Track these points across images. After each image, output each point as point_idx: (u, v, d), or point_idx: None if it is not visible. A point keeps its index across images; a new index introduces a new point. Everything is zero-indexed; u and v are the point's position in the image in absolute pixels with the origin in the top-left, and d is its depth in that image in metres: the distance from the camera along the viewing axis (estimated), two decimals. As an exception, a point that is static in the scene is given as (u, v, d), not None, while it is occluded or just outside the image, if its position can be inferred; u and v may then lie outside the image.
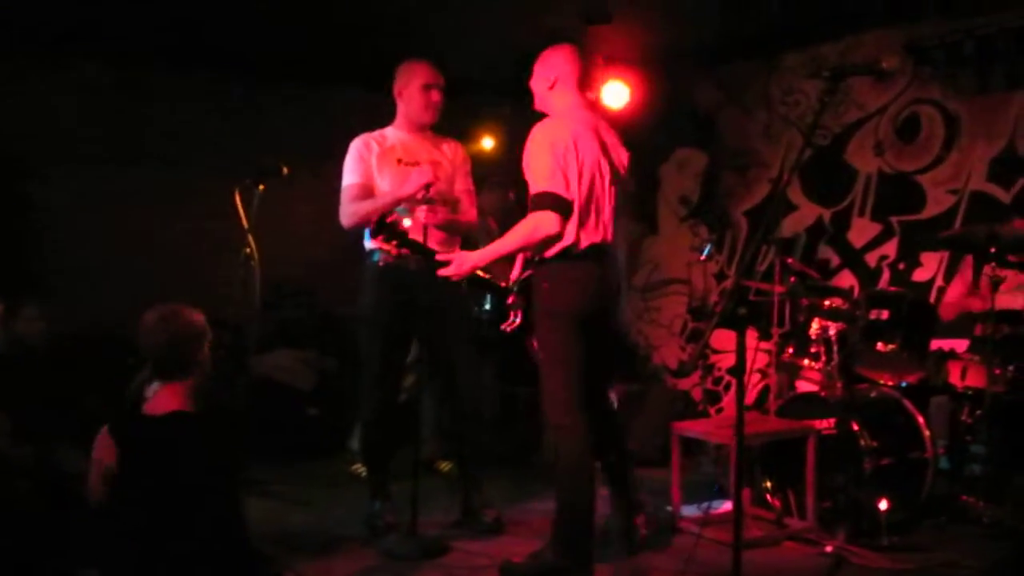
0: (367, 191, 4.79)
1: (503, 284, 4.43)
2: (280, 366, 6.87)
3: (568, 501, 4.14)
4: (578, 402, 4.16)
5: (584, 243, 4.12)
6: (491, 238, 6.36)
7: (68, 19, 6.24)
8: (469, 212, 5.00)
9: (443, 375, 5.03)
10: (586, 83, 4.40)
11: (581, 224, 4.11)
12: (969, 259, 5.70)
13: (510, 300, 4.38)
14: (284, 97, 7.69)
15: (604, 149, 4.24)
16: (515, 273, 4.47)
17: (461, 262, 4.26)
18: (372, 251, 4.83)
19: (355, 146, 4.88)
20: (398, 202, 4.68)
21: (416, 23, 6.32)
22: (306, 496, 5.53)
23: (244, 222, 4.55)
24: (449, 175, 4.93)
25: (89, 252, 6.79)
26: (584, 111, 4.32)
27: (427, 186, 4.60)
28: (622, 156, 4.39)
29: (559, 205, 4.01)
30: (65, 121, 6.88)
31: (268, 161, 4.32)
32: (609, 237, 4.24)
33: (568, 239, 4.08)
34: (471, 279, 4.37)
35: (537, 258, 4.19)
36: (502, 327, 4.40)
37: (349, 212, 4.79)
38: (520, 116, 8.19)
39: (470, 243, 5.06)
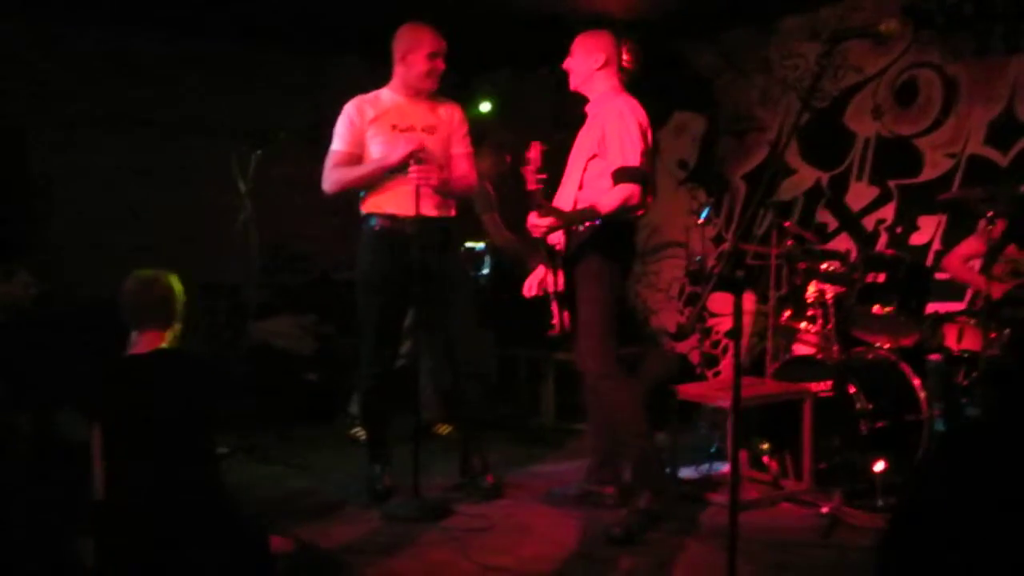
0: (353, 159, 4.76)
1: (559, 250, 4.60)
2: (279, 331, 6.88)
3: (638, 447, 4.42)
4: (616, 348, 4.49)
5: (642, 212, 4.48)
6: (488, 202, 6.38)
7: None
8: (468, 175, 4.95)
9: (441, 338, 5.04)
10: (625, 74, 4.65)
11: (645, 196, 4.41)
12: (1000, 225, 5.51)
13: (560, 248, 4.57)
14: (282, 63, 7.67)
15: (648, 127, 4.51)
16: (560, 238, 4.59)
17: (552, 220, 4.43)
18: (368, 215, 4.83)
19: (347, 111, 4.83)
20: (383, 171, 4.67)
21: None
22: (306, 460, 5.56)
23: (241, 188, 4.58)
24: (446, 139, 4.88)
25: (86, 218, 6.78)
26: (625, 92, 4.57)
27: (414, 154, 4.57)
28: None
29: (646, 180, 4.37)
30: (61, 88, 6.85)
31: (264, 128, 4.31)
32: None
33: (641, 209, 4.44)
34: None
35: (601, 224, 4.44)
36: (555, 290, 4.56)
37: (332, 179, 4.77)
38: (518, 83, 8.24)
39: (467, 207, 5.08)
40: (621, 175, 4.33)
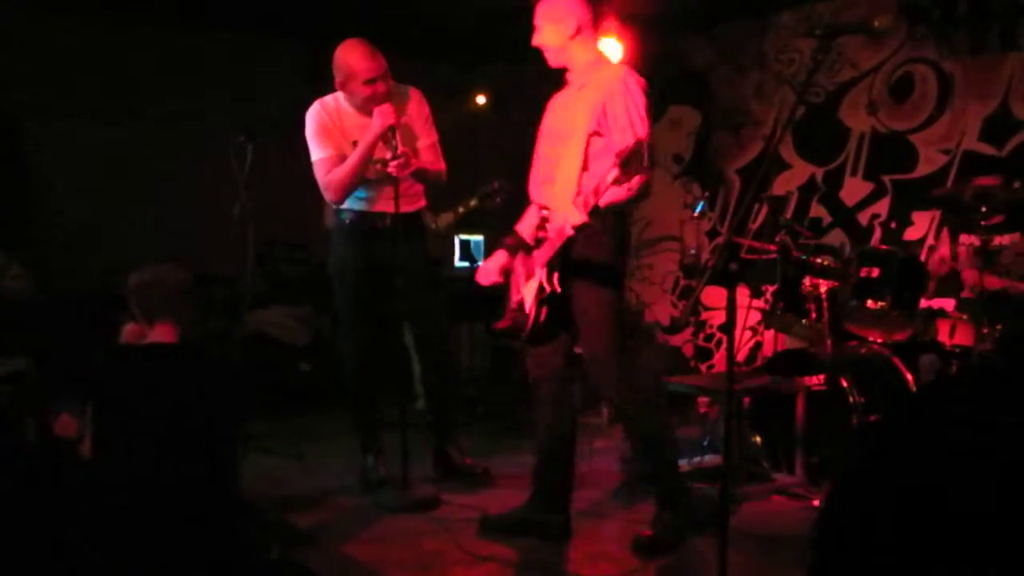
0: (342, 160, 4.64)
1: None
2: (273, 322, 6.89)
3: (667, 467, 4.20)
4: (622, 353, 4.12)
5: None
6: None
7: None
8: (436, 162, 4.84)
9: (414, 330, 5.09)
10: (600, 29, 4.19)
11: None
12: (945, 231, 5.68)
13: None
14: (279, 52, 7.66)
15: None
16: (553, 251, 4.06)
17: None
18: (340, 210, 4.82)
19: (314, 117, 4.70)
20: (369, 150, 4.54)
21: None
22: (300, 450, 5.57)
23: (238, 178, 4.57)
24: (409, 134, 4.72)
25: (83, 208, 6.78)
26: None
27: (391, 128, 4.46)
28: None
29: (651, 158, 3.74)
30: (60, 75, 6.84)
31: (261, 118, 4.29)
32: None
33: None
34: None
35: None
36: (549, 291, 3.99)
37: (332, 184, 4.64)
38: (515, 76, 8.23)
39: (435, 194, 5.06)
40: (634, 159, 3.57)
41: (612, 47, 7.10)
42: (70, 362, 4.91)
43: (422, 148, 4.78)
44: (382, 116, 4.50)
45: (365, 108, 4.63)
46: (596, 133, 3.95)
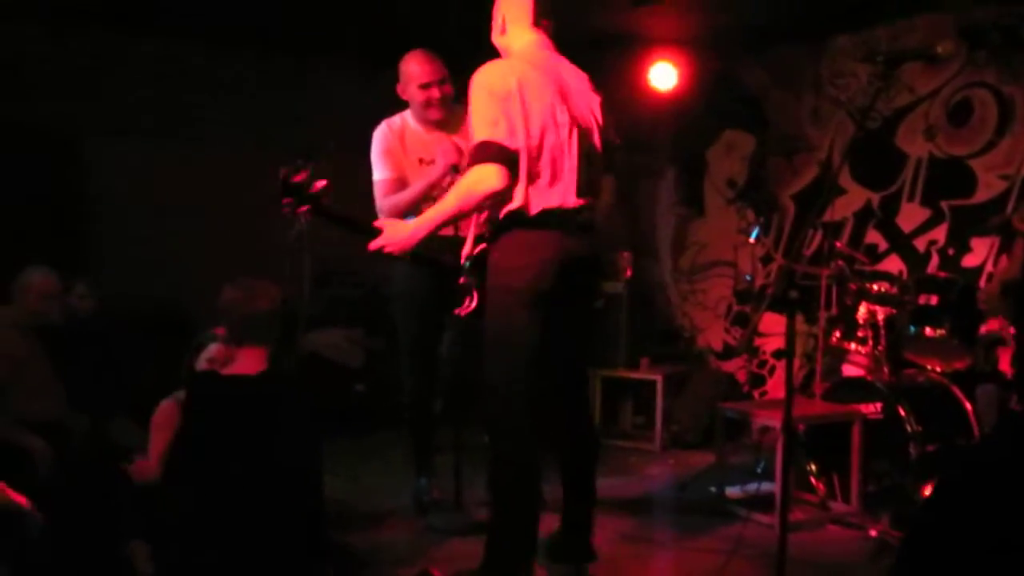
0: (401, 184, 4.66)
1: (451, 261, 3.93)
2: (329, 343, 6.95)
3: (503, 516, 3.63)
4: (526, 402, 3.56)
5: (536, 207, 3.52)
6: None
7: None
8: None
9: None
10: (542, 17, 3.76)
11: (530, 182, 3.52)
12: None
13: (461, 280, 3.79)
14: (332, 74, 7.74)
15: (564, 96, 3.61)
16: (467, 248, 3.83)
17: (394, 233, 3.71)
18: None
19: (379, 138, 4.75)
20: (429, 189, 4.54)
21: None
22: (354, 471, 5.60)
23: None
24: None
25: (140, 230, 6.87)
26: (541, 51, 3.71)
27: (454, 168, 4.46)
28: (593, 106, 3.77)
29: (502, 156, 3.41)
30: (117, 97, 6.96)
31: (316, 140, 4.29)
32: (572, 201, 3.58)
33: (516, 202, 3.51)
34: (413, 256, 3.88)
35: (489, 230, 3.67)
36: (455, 312, 3.81)
37: (385, 211, 4.63)
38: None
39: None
40: (471, 157, 3.47)
41: (665, 73, 7.14)
42: (125, 381, 5.02)
43: None
44: (444, 156, 4.54)
45: (430, 124, 4.68)
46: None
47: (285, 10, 6.52)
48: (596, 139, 3.73)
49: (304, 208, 3.78)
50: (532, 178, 3.51)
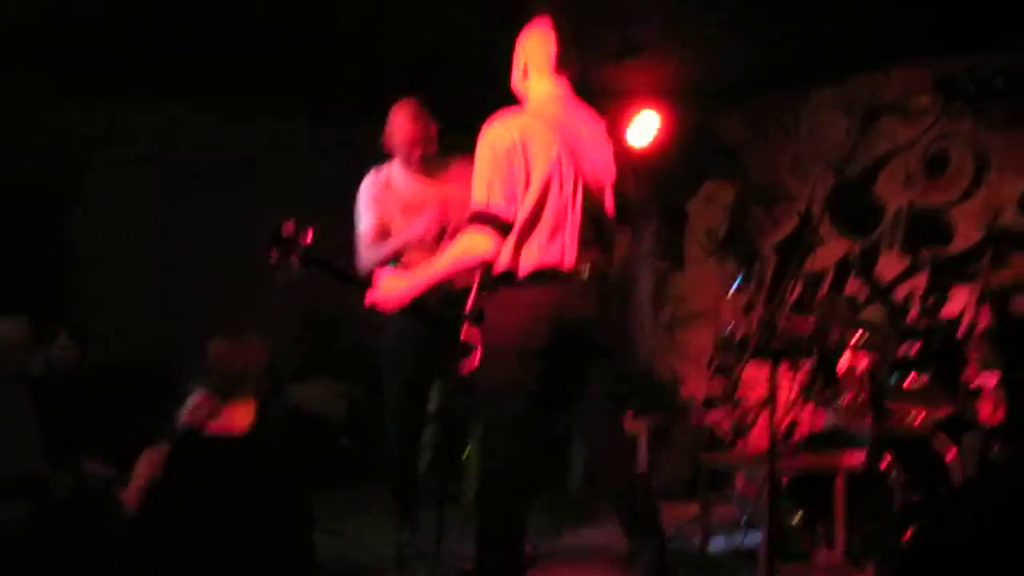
0: (384, 229, 4.70)
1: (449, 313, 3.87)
2: (312, 396, 6.91)
3: (487, 571, 3.54)
4: (514, 459, 3.54)
5: (532, 264, 3.49)
6: None
7: (108, 56, 6.35)
8: None
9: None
10: (566, 64, 3.71)
11: (528, 239, 3.49)
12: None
13: (463, 337, 3.68)
14: (318, 128, 7.77)
15: (573, 150, 3.57)
16: (469, 303, 3.74)
17: (388, 290, 3.69)
18: None
19: (365, 187, 4.80)
20: (407, 245, 4.61)
21: (436, 58, 6.35)
22: (337, 525, 5.55)
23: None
24: (464, 200, 4.59)
25: (122, 281, 6.86)
26: (554, 103, 3.67)
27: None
28: (607, 158, 3.71)
29: (496, 224, 3.43)
30: (104, 150, 6.97)
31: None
32: (571, 261, 3.53)
33: (504, 262, 3.50)
34: (412, 308, 3.81)
35: (488, 285, 3.62)
36: (457, 370, 3.70)
37: (367, 261, 4.66)
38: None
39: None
40: (467, 219, 3.51)
41: (645, 125, 7.18)
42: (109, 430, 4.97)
43: None
44: (428, 213, 4.58)
45: (415, 171, 4.74)
46: None
47: (266, 70, 6.59)
48: (607, 194, 3.69)
49: (294, 257, 3.78)
50: (531, 235, 3.49)
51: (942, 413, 5.17)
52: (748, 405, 7.42)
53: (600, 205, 3.65)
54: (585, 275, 3.57)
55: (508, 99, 3.72)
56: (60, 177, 6.74)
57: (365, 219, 4.76)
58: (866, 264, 6.76)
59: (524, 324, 3.48)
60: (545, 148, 3.50)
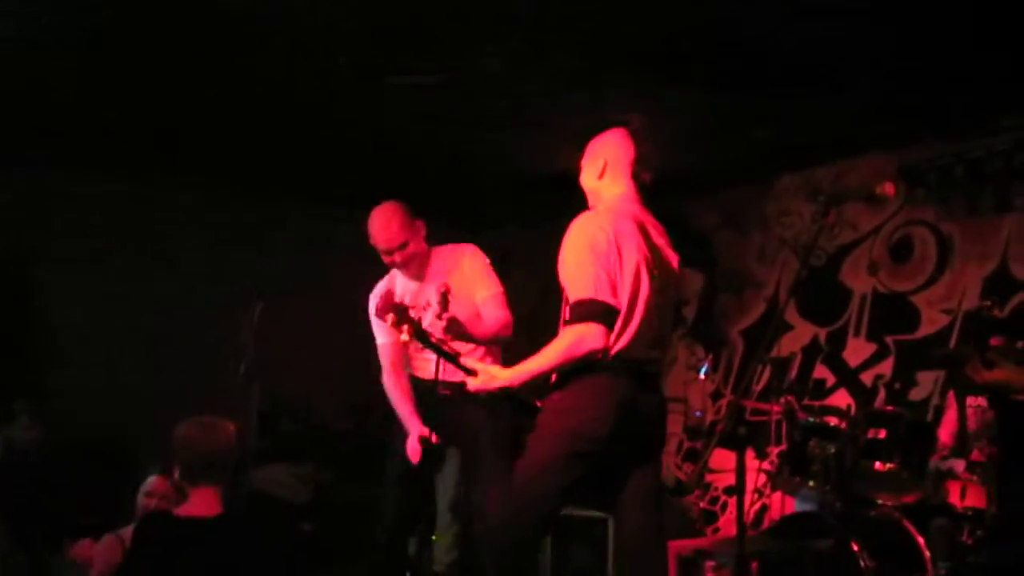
0: (396, 349, 4.67)
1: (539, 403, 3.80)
2: (276, 480, 6.82)
3: None
4: (525, 547, 3.62)
5: (614, 351, 3.51)
6: None
7: (83, 138, 6.37)
8: (498, 317, 4.56)
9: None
10: (643, 169, 3.86)
11: (617, 332, 3.53)
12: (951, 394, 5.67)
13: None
14: (293, 217, 7.81)
15: (651, 247, 3.68)
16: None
17: (488, 381, 3.69)
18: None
19: (372, 302, 4.70)
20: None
21: (429, 153, 6.40)
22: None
23: (244, 334, 4.60)
24: (467, 293, 4.55)
25: (85, 360, 6.80)
26: (630, 204, 3.77)
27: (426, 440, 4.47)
28: (671, 256, 3.83)
29: (604, 315, 3.47)
30: (69, 226, 6.96)
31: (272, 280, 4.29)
32: (643, 352, 3.60)
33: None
34: (507, 396, 3.80)
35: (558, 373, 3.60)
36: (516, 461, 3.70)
37: (386, 386, 4.72)
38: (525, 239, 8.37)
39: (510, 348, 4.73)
40: (572, 313, 3.51)
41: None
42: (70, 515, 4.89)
43: (482, 301, 4.59)
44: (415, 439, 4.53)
45: (410, 274, 4.66)
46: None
47: (242, 152, 6.62)
48: (672, 294, 3.82)
49: (407, 326, 3.92)
50: (620, 325, 3.53)
51: (910, 499, 5.16)
52: (717, 491, 7.39)
53: (665, 306, 3.73)
54: (657, 368, 3.71)
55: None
56: (21, 252, 6.69)
57: (378, 335, 4.72)
58: (833, 350, 6.79)
59: (595, 407, 3.50)
60: (635, 246, 3.59)
